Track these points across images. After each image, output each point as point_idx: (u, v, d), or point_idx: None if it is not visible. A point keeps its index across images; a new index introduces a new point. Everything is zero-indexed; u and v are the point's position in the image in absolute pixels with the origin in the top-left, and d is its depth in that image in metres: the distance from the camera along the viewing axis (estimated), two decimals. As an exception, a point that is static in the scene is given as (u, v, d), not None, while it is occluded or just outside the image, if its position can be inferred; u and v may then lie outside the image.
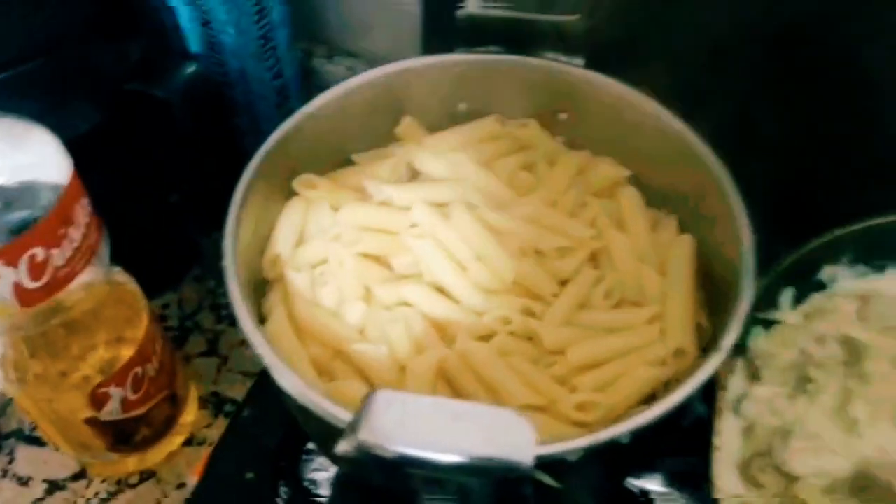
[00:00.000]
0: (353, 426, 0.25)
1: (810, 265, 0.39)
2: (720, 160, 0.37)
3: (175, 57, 0.47)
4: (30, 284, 0.34)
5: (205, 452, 0.46)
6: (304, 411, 0.30)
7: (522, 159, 0.43)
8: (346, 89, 0.41)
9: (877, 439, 0.34)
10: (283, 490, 0.42)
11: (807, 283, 0.40)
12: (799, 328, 0.38)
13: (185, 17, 0.47)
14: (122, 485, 0.46)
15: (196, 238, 0.54)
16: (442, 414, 0.25)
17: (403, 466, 0.25)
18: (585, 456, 0.28)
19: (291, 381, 0.30)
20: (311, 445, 0.43)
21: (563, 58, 0.42)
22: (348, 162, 0.44)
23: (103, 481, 0.47)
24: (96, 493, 0.46)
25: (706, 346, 0.35)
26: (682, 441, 0.39)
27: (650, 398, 0.34)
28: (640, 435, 0.28)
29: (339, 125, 0.42)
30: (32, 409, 0.41)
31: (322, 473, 0.42)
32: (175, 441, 0.47)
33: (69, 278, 0.35)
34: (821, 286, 0.40)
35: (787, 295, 0.39)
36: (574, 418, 0.33)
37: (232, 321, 0.45)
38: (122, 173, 0.47)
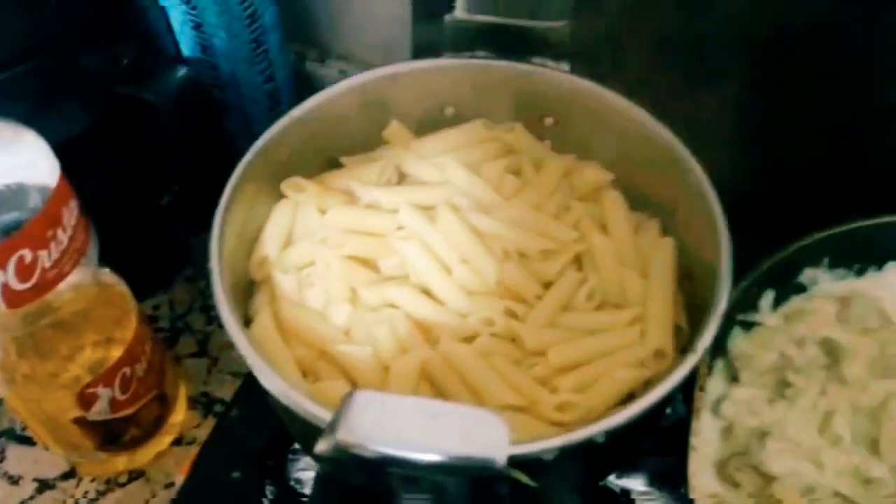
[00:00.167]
0: (332, 426, 0.25)
1: (790, 268, 0.40)
2: (701, 165, 0.37)
3: (166, 60, 0.47)
4: (18, 286, 0.34)
5: (194, 452, 0.46)
6: (287, 411, 0.31)
7: (509, 163, 0.44)
8: (334, 93, 0.41)
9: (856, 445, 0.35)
10: (269, 489, 0.42)
11: (787, 286, 0.40)
12: (778, 330, 0.38)
13: (177, 21, 0.48)
14: (111, 484, 0.47)
15: (187, 239, 0.54)
16: (418, 413, 0.25)
17: (381, 465, 0.25)
18: (561, 455, 0.28)
19: (273, 381, 0.30)
20: (297, 445, 0.43)
21: (550, 63, 0.43)
22: (336, 165, 0.44)
23: (93, 480, 0.47)
24: (86, 493, 0.47)
25: (685, 347, 0.35)
26: (663, 441, 0.40)
27: (630, 399, 0.35)
28: (615, 435, 0.29)
29: (328, 128, 0.42)
30: (21, 409, 0.42)
31: (308, 473, 0.42)
32: (164, 441, 0.47)
33: (57, 280, 0.36)
34: (801, 288, 0.40)
35: (767, 297, 0.39)
36: (553, 419, 0.33)
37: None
38: (112, 176, 0.47)
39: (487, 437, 0.25)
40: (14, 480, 0.47)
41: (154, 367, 0.44)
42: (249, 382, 0.47)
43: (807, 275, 0.40)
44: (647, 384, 0.35)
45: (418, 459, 0.25)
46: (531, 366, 0.36)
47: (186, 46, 0.49)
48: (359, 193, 0.41)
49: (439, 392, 0.35)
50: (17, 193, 0.33)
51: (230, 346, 0.52)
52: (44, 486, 0.47)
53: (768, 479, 0.34)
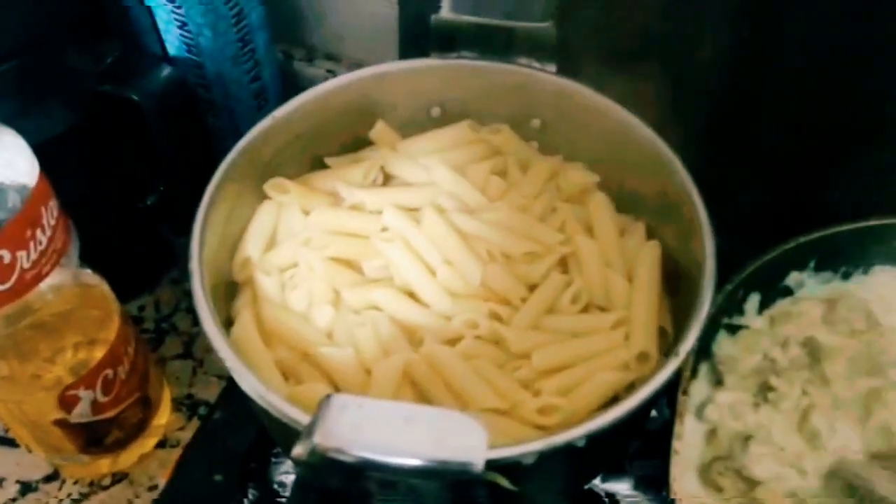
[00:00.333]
0: (309, 429, 0.25)
1: (776, 271, 0.40)
2: (686, 168, 0.37)
3: (150, 59, 0.47)
4: (-4, 286, 0.34)
5: (177, 455, 0.46)
6: (266, 414, 0.30)
7: (495, 165, 0.43)
8: (318, 93, 0.41)
9: (838, 443, 0.35)
10: (251, 492, 0.42)
11: (773, 289, 0.40)
12: (763, 333, 0.38)
13: (162, 20, 0.48)
14: (94, 486, 0.46)
15: (172, 240, 0.54)
16: (396, 417, 0.25)
17: (358, 469, 0.25)
18: (541, 459, 0.28)
19: (251, 384, 0.30)
20: (280, 450, 0.43)
21: (536, 64, 0.43)
22: (321, 165, 0.44)
23: (75, 483, 0.47)
24: (69, 495, 0.46)
25: (669, 350, 0.35)
26: (649, 445, 0.40)
27: (614, 402, 0.34)
28: (597, 438, 0.28)
29: (313, 129, 0.42)
30: (2, 411, 0.41)
31: (291, 476, 0.42)
32: (147, 443, 0.47)
33: (36, 280, 0.36)
34: (787, 292, 0.40)
35: (753, 300, 0.39)
36: (536, 422, 0.33)
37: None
38: (97, 175, 0.47)
39: (465, 441, 0.25)
40: (-4, 482, 0.47)
41: (137, 369, 0.44)
42: (233, 385, 0.46)
43: (793, 278, 0.40)
44: (632, 387, 0.35)
45: (395, 463, 0.24)
46: (515, 368, 0.36)
47: (172, 45, 0.49)
48: (343, 194, 0.41)
49: (422, 395, 0.35)
50: (-5, 193, 0.33)
51: (215, 347, 0.52)
52: (26, 488, 0.47)
53: (751, 483, 0.34)
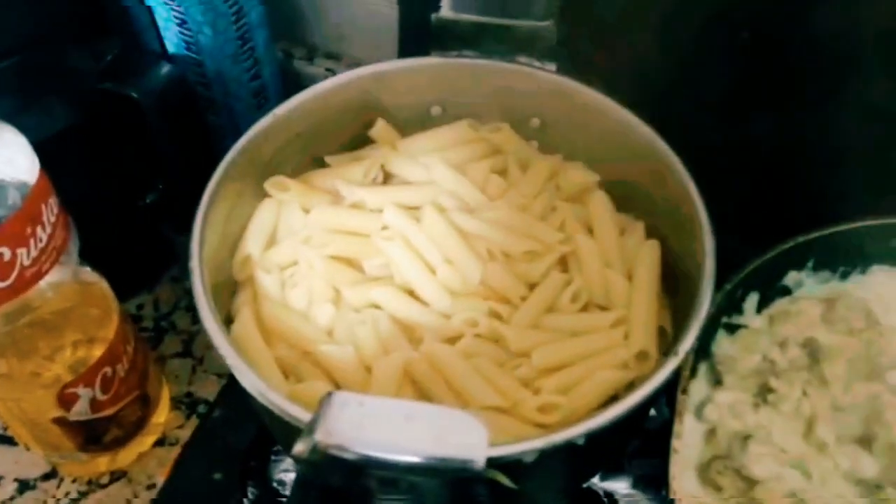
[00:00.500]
0: (310, 427, 0.25)
1: (775, 271, 0.40)
2: (686, 167, 0.37)
3: (150, 57, 0.47)
4: (-5, 284, 0.34)
5: (176, 453, 0.46)
6: (267, 412, 0.30)
7: (495, 163, 0.43)
8: (319, 91, 0.41)
9: (847, 465, 0.35)
10: (251, 491, 0.42)
11: (772, 289, 0.40)
12: (762, 332, 0.38)
13: (161, 17, 0.48)
14: (92, 485, 0.46)
15: (172, 238, 0.54)
16: (396, 415, 0.25)
17: (359, 467, 0.25)
18: (541, 457, 0.28)
19: (252, 381, 0.30)
20: (279, 446, 0.43)
21: (536, 63, 0.43)
22: (321, 164, 0.44)
23: (74, 481, 0.47)
24: (67, 493, 0.46)
25: (669, 349, 0.35)
26: (648, 444, 0.40)
27: (613, 400, 0.35)
28: (596, 437, 0.29)
29: (313, 127, 0.42)
30: (1, 409, 0.41)
31: (290, 474, 0.42)
32: (146, 441, 0.47)
33: (36, 278, 0.36)
34: (786, 291, 0.40)
35: (752, 300, 0.39)
36: (536, 420, 0.33)
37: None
38: (96, 173, 0.47)
39: (466, 439, 0.25)
40: (-6, 481, 0.47)
41: (136, 367, 0.44)
42: (233, 383, 0.46)
43: (791, 278, 0.40)
44: (631, 386, 0.35)
45: (396, 461, 0.24)
46: (515, 367, 0.36)
47: (171, 43, 0.49)
48: (344, 193, 0.41)
49: (422, 393, 0.35)
50: (-5, 191, 0.33)
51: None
52: (24, 486, 0.47)
53: (750, 482, 0.34)
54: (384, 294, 0.38)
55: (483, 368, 0.35)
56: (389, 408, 0.25)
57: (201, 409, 0.49)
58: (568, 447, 0.28)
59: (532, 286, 0.39)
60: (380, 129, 0.44)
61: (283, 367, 0.36)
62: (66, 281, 0.39)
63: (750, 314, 0.39)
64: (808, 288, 0.40)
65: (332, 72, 0.57)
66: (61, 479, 0.47)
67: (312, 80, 0.42)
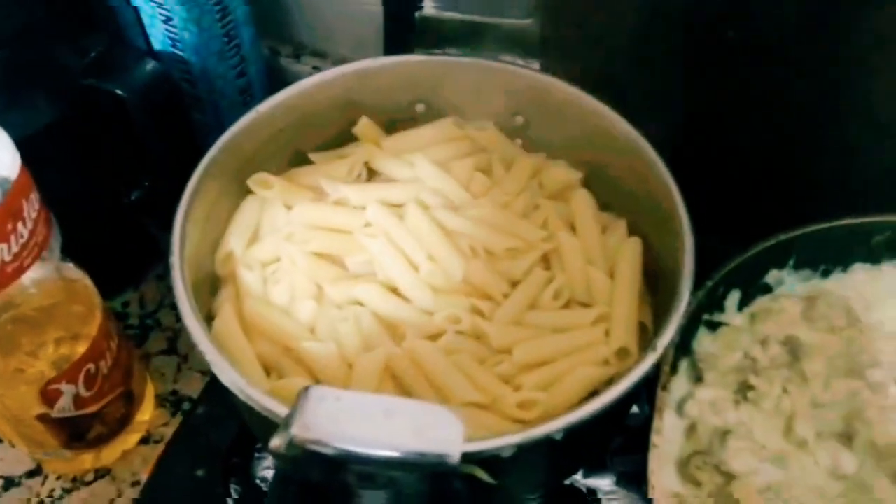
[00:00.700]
0: (287, 421, 0.25)
1: (757, 269, 0.40)
2: (667, 164, 0.37)
3: (135, 54, 0.47)
4: (-25, 279, 0.34)
5: (161, 451, 0.46)
6: (246, 407, 0.30)
7: (479, 161, 0.43)
8: (302, 88, 0.41)
9: (828, 462, 0.35)
10: (234, 488, 0.42)
11: (753, 286, 0.40)
12: (743, 330, 0.39)
13: (146, 14, 0.48)
14: (77, 482, 0.46)
15: (157, 236, 0.54)
16: (373, 409, 0.25)
17: (336, 461, 0.25)
18: (519, 452, 0.28)
19: (231, 377, 0.30)
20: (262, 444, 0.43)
21: (520, 61, 0.43)
22: (305, 161, 0.44)
23: (58, 478, 0.46)
24: (51, 491, 0.46)
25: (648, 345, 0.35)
26: (631, 441, 0.40)
27: (594, 397, 0.35)
28: (574, 432, 0.29)
29: (296, 124, 0.42)
30: (-16, 405, 0.41)
31: (273, 471, 0.42)
32: (131, 439, 0.47)
33: (18, 273, 0.35)
34: (767, 289, 0.41)
35: (733, 297, 0.40)
36: (516, 416, 0.33)
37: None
38: (80, 170, 0.47)
39: (442, 434, 0.25)
40: (-22, 478, 0.47)
41: (120, 364, 0.44)
42: (216, 380, 0.46)
43: (772, 275, 0.40)
44: (612, 383, 0.35)
45: (372, 455, 0.25)
46: (496, 363, 0.36)
47: (156, 40, 0.49)
48: (327, 190, 0.41)
49: (403, 389, 0.35)
50: (-25, 186, 0.33)
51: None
52: (9, 483, 0.46)
53: (729, 477, 0.34)
54: (367, 291, 0.38)
55: (464, 365, 0.35)
56: (366, 402, 0.25)
57: (186, 406, 0.49)
58: (546, 442, 0.28)
59: (514, 283, 0.39)
60: (364, 126, 0.44)
61: (264, 363, 0.36)
62: (49, 277, 0.39)
63: (731, 312, 0.40)
64: (790, 286, 0.41)
65: (318, 69, 0.57)
66: (46, 477, 0.47)
67: (298, 78, 0.42)
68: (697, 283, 0.35)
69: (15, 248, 0.35)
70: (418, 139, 0.43)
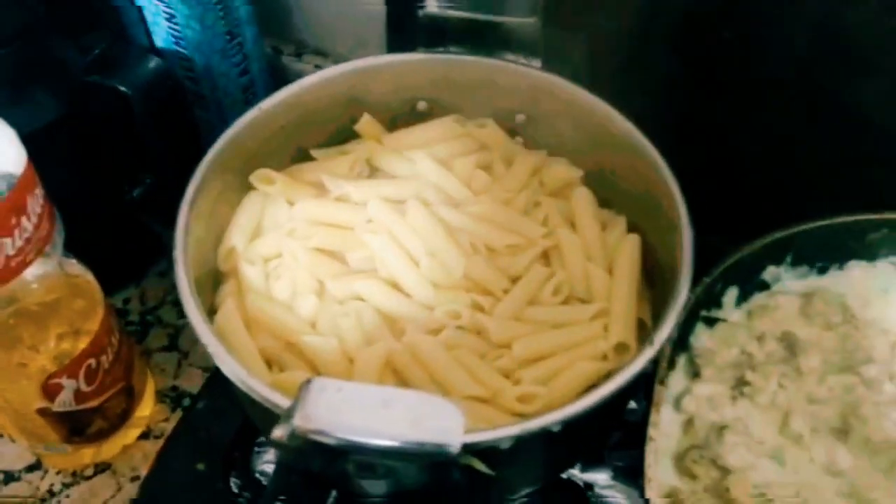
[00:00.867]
0: (289, 412, 0.26)
1: (754, 266, 0.40)
2: (667, 163, 0.38)
3: (138, 51, 0.47)
4: (-21, 273, 0.34)
5: (161, 446, 0.46)
6: (248, 399, 0.31)
7: (480, 159, 0.44)
8: (305, 85, 0.42)
9: (823, 458, 0.35)
10: (234, 482, 0.42)
11: (751, 283, 0.41)
12: (741, 326, 0.39)
13: (150, 12, 0.48)
14: (76, 477, 0.47)
15: (159, 232, 0.54)
16: (374, 400, 0.25)
17: (337, 451, 0.25)
18: (517, 444, 0.28)
19: (233, 368, 0.30)
20: (263, 438, 0.43)
21: (522, 59, 0.43)
22: (307, 157, 0.44)
23: (58, 473, 0.47)
24: (51, 485, 0.46)
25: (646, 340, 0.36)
26: (629, 436, 0.40)
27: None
28: (571, 425, 0.29)
29: (299, 121, 0.42)
30: (-15, 399, 0.42)
31: (273, 465, 0.42)
32: (131, 434, 0.47)
33: (21, 267, 0.36)
34: (764, 286, 0.41)
35: (731, 293, 0.40)
36: (515, 409, 0.33)
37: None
38: (83, 166, 0.47)
39: (442, 424, 0.25)
40: (-22, 472, 0.47)
41: (121, 359, 0.44)
42: (217, 375, 0.47)
43: (770, 272, 0.41)
44: (610, 377, 0.36)
45: (373, 445, 0.25)
46: (496, 358, 0.36)
47: (159, 38, 0.49)
48: (329, 186, 0.42)
49: (404, 383, 0.36)
50: (-20, 181, 0.33)
51: (200, 339, 0.52)
52: (9, 477, 0.47)
53: (725, 472, 0.34)
54: (368, 286, 0.38)
55: (464, 359, 0.35)
56: (367, 393, 0.26)
57: (186, 402, 0.49)
58: (544, 435, 0.29)
59: (515, 279, 0.39)
60: (366, 123, 0.44)
61: (266, 357, 0.37)
62: (52, 273, 0.39)
63: (729, 308, 0.40)
64: (787, 282, 0.41)
65: (320, 68, 0.57)
66: (46, 471, 0.47)
67: (301, 76, 0.42)
68: (696, 280, 0.35)
69: (19, 243, 0.35)
70: (420, 136, 0.44)
